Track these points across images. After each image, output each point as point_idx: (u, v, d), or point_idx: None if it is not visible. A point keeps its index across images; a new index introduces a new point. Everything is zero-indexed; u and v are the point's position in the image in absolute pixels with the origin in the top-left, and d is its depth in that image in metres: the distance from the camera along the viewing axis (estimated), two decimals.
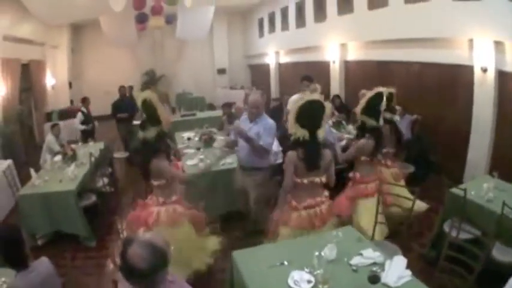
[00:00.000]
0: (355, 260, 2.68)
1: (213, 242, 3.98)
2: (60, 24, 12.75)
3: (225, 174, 4.99)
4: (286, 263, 2.71)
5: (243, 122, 4.38)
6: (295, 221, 3.41)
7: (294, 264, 2.67)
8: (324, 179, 3.46)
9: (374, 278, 2.24)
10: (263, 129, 4.21)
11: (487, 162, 5.67)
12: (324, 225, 3.40)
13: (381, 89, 4.23)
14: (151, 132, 3.61)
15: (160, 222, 3.56)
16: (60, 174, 5.42)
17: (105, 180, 6.04)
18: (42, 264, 2.55)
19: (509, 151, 5.33)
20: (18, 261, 2.43)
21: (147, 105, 3.62)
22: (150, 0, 10.69)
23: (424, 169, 5.32)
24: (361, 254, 2.72)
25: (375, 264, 2.63)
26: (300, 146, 3.38)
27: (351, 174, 4.34)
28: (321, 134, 3.38)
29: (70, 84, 14.14)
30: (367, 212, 4.01)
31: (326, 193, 3.57)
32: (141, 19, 12.15)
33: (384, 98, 4.25)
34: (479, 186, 3.97)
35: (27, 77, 10.64)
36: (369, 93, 4.22)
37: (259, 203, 4.37)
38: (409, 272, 2.49)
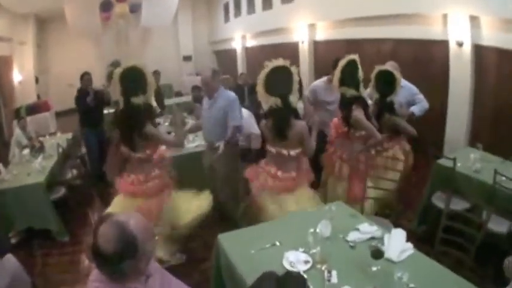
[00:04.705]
0: (352, 236, 2.51)
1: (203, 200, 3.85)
2: (26, 14, 12.35)
3: (195, 156, 4.81)
4: (278, 243, 2.50)
5: (205, 102, 4.32)
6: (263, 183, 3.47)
7: (287, 245, 2.46)
8: (292, 153, 3.36)
9: (377, 253, 2.04)
10: (227, 104, 4.07)
11: (466, 136, 5.66)
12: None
13: (352, 56, 3.92)
14: (138, 100, 3.40)
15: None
16: (28, 167, 5.16)
17: (74, 172, 5.75)
18: (8, 264, 2.30)
19: (487, 124, 5.34)
20: None
21: (137, 72, 3.42)
22: None
23: None
24: (357, 229, 2.56)
25: (373, 239, 2.48)
26: (271, 114, 3.36)
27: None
28: (293, 99, 3.33)
29: (37, 79, 13.74)
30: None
31: (294, 174, 3.43)
32: (106, 7, 11.89)
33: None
34: (465, 158, 3.90)
35: None
36: (341, 62, 3.91)
37: (227, 183, 4.22)
38: (410, 245, 2.34)
